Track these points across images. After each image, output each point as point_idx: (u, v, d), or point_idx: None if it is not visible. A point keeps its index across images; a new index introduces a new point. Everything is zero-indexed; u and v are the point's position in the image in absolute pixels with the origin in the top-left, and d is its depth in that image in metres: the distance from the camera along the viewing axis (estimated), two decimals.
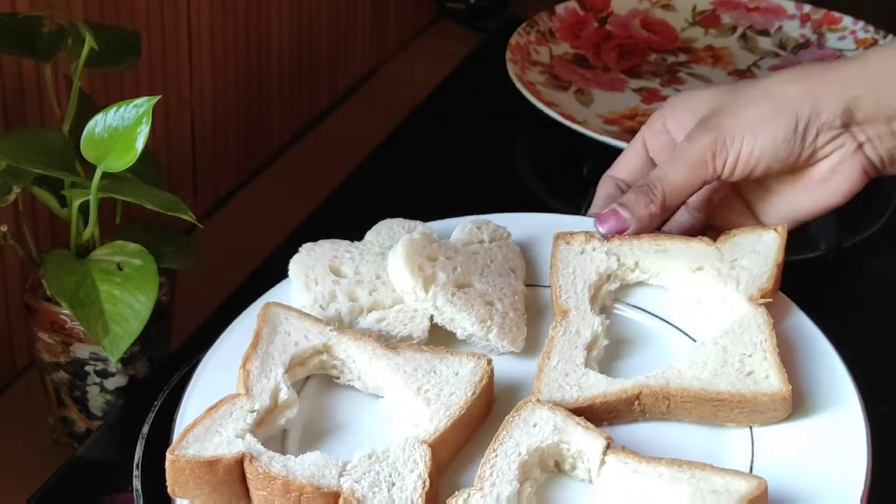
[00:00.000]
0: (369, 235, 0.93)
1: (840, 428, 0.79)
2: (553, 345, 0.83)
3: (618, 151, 1.01)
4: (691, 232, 0.96)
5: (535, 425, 0.77)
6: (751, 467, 0.77)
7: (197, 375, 0.84)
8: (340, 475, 0.74)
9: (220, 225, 1.24)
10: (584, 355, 0.82)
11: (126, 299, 0.88)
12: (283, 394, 0.80)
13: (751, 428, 0.80)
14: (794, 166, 0.93)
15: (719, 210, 0.99)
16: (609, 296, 0.89)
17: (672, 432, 0.81)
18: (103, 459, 0.94)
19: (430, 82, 1.44)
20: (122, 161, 0.86)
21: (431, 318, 0.86)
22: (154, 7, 1.11)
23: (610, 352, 0.85)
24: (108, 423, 0.96)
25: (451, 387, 0.80)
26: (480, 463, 0.75)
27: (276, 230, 1.16)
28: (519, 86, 1.28)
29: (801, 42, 1.44)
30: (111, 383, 0.96)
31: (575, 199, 1.11)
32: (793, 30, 1.45)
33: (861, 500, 0.75)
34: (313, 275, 0.89)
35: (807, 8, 1.46)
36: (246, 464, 0.75)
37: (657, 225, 0.93)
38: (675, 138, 0.97)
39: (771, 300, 0.85)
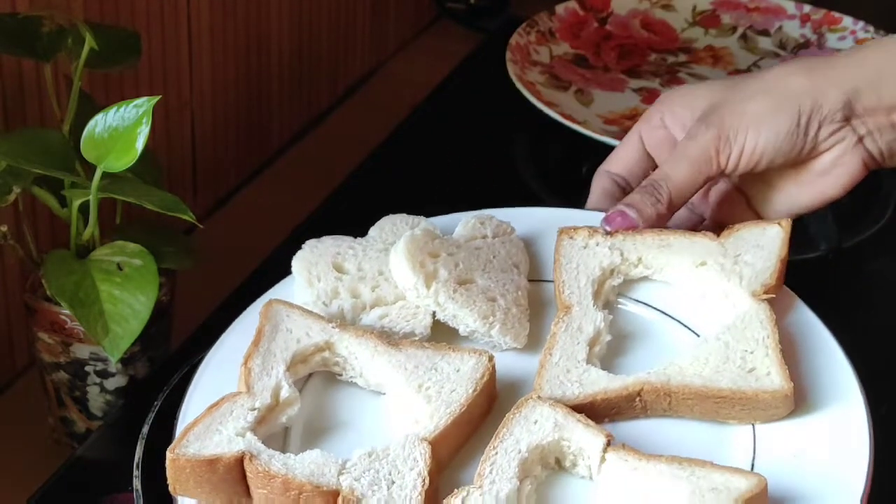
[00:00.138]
0: (373, 231, 0.93)
1: (842, 425, 0.78)
2: (555, 341, 0.83)
3: None
4: (689, 226, 0.96)
5: (535, 422, 0.77)
6: (752, 464, 0.77)
7: (200, 373, 0.84)
8: (340, 473, 0.74)
9: (220, 225, 1.24)
10: (587, 351, 0.82)
11: (126, 299, 0.88)
12: (285, 391, 0.80)
13: (753, 425, 0.80)
14: (796, 160, 0.93)
15: (718, 205, 0.99)
16: (612, 291, 0.89)
17: (674, 429, 0.80)
18: (103, 459, 0.94)
19: (430, 82, 1.44)
20: (122, 161, 0.86)
21: (434, 314, 0.86)
22: (154, 7, 1.11)
23: (613, 347, 0.85)
24: (108, 424, 0.96)
25: (452, 384, 0.80)
26: (480, 460, 0.75)
27: (277, 230, 1.16)
28: (519, 86, 1.28)
29: (801, 42, 1.44)
30: (111, 383, 0.96)
31: (575, 198, 1.10)
32: (793, 30, 1.45)
33: (862, 499, 0.75)
34: (316, 271, 0.89)
35: (807, 8, 1.46)
36: (246, 462, 0.75)
37: (664, 223, 0.93)
38: (673, 133, 0.97)
39: (774, 296, 0.85)
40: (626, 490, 0.74)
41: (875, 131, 0.92)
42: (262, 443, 0.77)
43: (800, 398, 0.79)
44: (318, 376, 0.84)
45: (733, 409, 0.79)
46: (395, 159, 1.30)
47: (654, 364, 0.82)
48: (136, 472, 0.81)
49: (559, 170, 1.29)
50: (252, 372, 0.80)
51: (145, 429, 0.83)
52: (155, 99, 0.87)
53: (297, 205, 1.22)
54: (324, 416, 0.82)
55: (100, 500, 0.89)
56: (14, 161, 0.86)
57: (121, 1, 1.07)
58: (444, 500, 0.73)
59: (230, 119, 1.26)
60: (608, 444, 0.75)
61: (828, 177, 0.94)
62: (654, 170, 0.97)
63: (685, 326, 0.87)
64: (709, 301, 0.87)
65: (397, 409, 0.81)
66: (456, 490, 0.73)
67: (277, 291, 0.90)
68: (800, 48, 1.43)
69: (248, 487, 0.76)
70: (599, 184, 0.98)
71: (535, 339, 0.86)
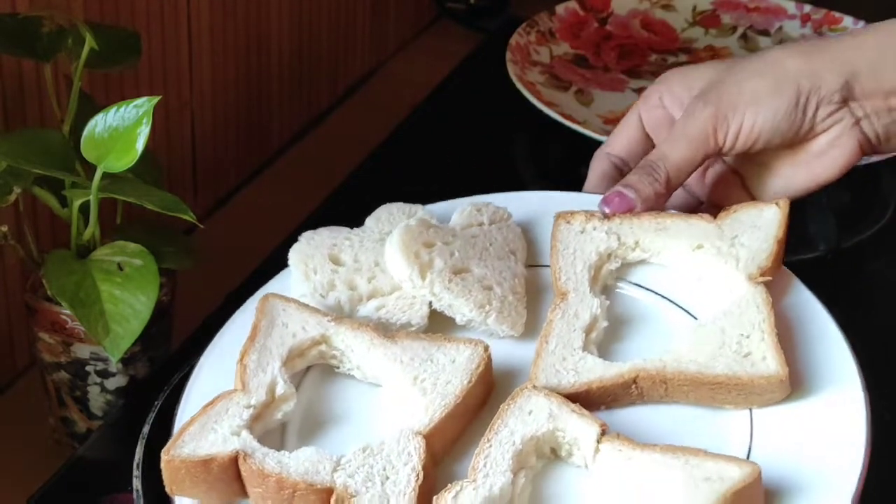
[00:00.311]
0: (369, 221, 0.93)
1: (840, 408, 0.78)
2: (551, 328, 0.83)
3: None
4: (685, 208, 0.96)
5: (530, 413, 0.77)
6: (749, 450, 0.77)
7: (198, 369, 0.85)
8: (334, 470, 0.74)
9: (220, 225, 1.24)
10: (583, 338, 0.82)
11: (127, 299, 0.88)
12: (280, 388, 0.80)
13: (750, 410, 0.79)
14: (793, 141, 0.93)
15: (714, 186, 0.99)
16: (610, 275, 0.88)
17: (670, 416, 0.80)
18: (104, 459, 0.94)
19: (430, 82, 1.44)
20: (122, 161, 0.86)
21: (430, 304, 0.86)
22: (154, 7, 1.11)
23: (610, 333, 0.84)
24: (109, 423, 0.96)
25: (447, 375, 0.79)
26: (475, 453, 0.75)
27: (277, 230, 1.15)
28: (519, 86, 1.28)
29: None
30: (112, 383, 0.96)
31: None
32: (793, 30, 1.45)
33: (857, 484, 0.74)
34: (312, 264, 0.89)
35: (807, 8, 1.46)
36: (240, 461, 0.75)
37: (662, 203, 0.92)
38: (672, 113, 0.97)
39: (771, 278, 0.84)
40: (621, 479, 0.74)
41: (872, 114, 0.92)
42: (259, 439, 0.77)
43: (797, 382, 0.79)
44: (316, 369, 0.84)
45: (729, 395, 0.79)
46: (395, 159, 1.30)
47: (651, 349, 0.82)
48: (137, 472, 0.81)
49: (559, 170, 1.29)
50: (248, 369, 0.80)
51: (146, 429, 0.84)
52: (155, 99, 0.87)
53: (297, 205, 1.22)
54: (322, 410, 0.82)
55: (100, 500, 0.89)
56: (14, 161, 0.87)
57: (121, 1, 1.07)
58: (437, 496, 0.73)
59: (230, 119, 1.26)
60: (602, 433, 0.75)
61: (823, 159, 0.93)
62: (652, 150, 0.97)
63: (683, 310, 0.86)
64: (706, 284, 0.87)
65: (393, 401, 0.81)
66: (449, 485, 0.73)
67: (275, 284, 0.90)
68: None
69: (243, 486, 0.76)
70: (597, 166, 0.98)
71: (532, 327, 0.86)
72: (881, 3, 1.21)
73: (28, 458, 0.99)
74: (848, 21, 1.43)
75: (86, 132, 0.88)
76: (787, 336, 0.81)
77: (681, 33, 1.46)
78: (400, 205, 0.94)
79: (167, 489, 0.76)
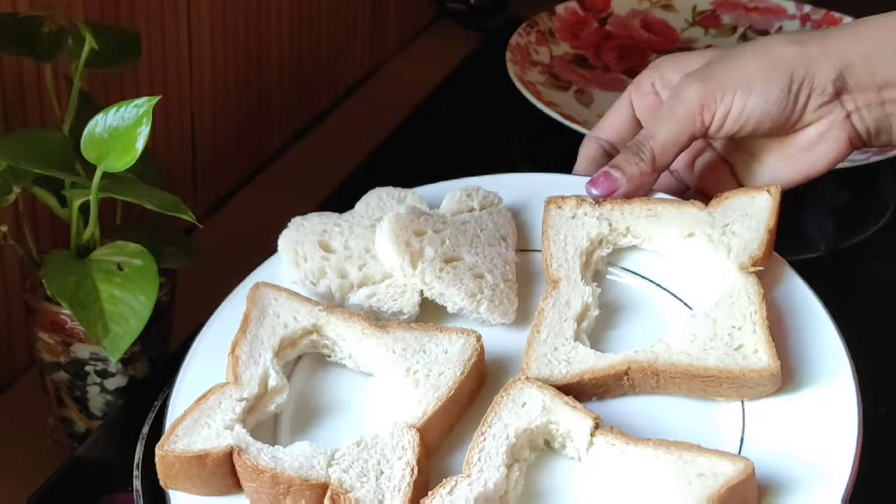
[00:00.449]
0: (359, 206, 0.93)
1: (831, 400, 0.78)
2: (543, 317, 0.83)
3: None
4: (674, 194, 0.96)
5: (523, 405, 0.77)
6: (741, 442, 0.77)
7: (188, 360, 0.85)
8: (329, 465, 0.74)
9: (220, 225, 1.24)
10: (574, 328, 0.82)
11: (126, 299, 0.88)
12: (273, 379, 0.80)
13: (742, 402, 0.79)
14: (782, 129, 0.92)
15: (703, 173, 0.98)
16: (602, 261, 0.88)
17: (663, 408, 0.80)
18: (103, 459, 0.94)
19: (430, 82, 1.44)
20: (122, 161, 0.86)
21: (421, 292, 0.86)
22: (154, 7, 1.11)
23: (602, 320, 0.84)
24: (108, 423, 0.96)
25: (440, 366, 0.79)
26: (469, 447, 0.75)
27: (276, 230, 1.15)
28: (519, 86, 1.28)
29: None
30: (111, 383, 0.96)
31: None
32: (793, 30, 1.45)
33: (849, 477, 0.74)
34: (302, 251, 0.89)
35: (807, 8, 1.46)
36: (234, 456, 0.75)
37: (649, 184, 0.92)
38: (663, 98, 0.96)
39: (762, 268, 0.84)
40: (614, 473, 0.74)
41: (864, 108, 0.92)
42: (252, 431, 0.77)
43: (789, 374, 0.79)
44: (309, 358, 0.85)
45: (721, 388, 0.79)
46: (394, 159, 1.30)
47: (643, 337, 0.82)
48: (136, 472, 0.81)
49: (559, 170, 1.29)
50: (240, 360, 0.81)
51: (145, 429, 0.84)
52: (155, 99, 0.87)
53: (297, 204, 1.21)
54: (314, 400, 0.83)
55: (99, 500, 0.89)
56: (14, 161, 0.87)
57: (121, 1, 1.07)
58: (432, 491, 0.73)
59: (230, 119, 1.26)
60: (596, 427, 0.75)
61: (812, 152, 0.93)
62: None
63: (674, 296, 0.86)
64: (697, 272, 0.86)
65: (386, 392, 0.81)
66: (444, 480, 0.73)
67: (264, 269, 0.90)
68: None
69: (238, 480, 0.76)
70: (587, 151, 0.98)
71: (524, 314, 0.86)
72: (881, 4, 1.21)
73: (27, 457, 0.99)
74: (848, 21, 1.43)
75: (86, 132, 0.88)
76: (778, 327, 0.81)
77: (681, 33, 1.46)
78: (390, 189, 0.94)
79: (161, 483, 0.77)
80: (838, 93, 0.91)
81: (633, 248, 0.89)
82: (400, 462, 0.74)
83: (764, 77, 0.90)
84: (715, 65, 0.92)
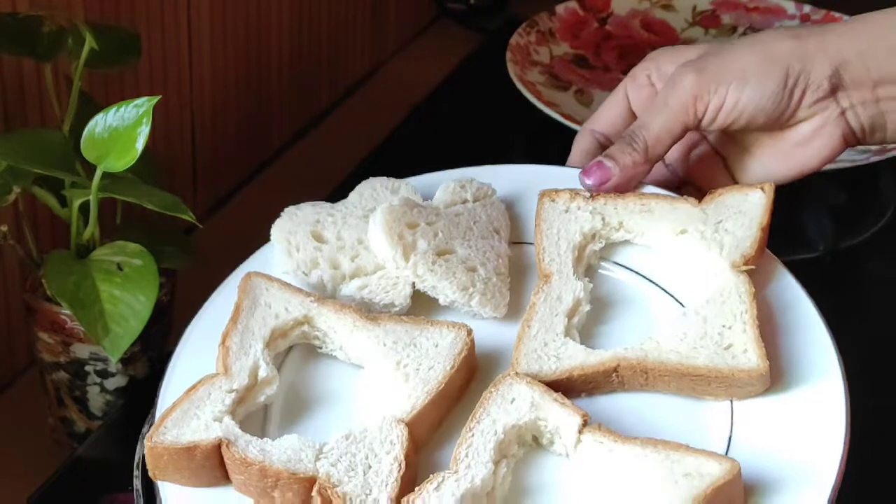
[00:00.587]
0: (352, 196, 0.93)
1: (820, 401, 0.78)
2: (534, 312, 0.83)
3: None
4: (667, 187, 0.96)
5: (512, 401, 0.77)
6: (729, 441, 0.77)
7: (179, 349, 0.85)
8: (317, 459, 0.75)
9: (220, 225, 1.24)
10: (565, 323, 0.82)
11: (126, 299, 0.88)
12: (263, 371, 0.80)
13: (731, 401, 0.79)
14: (776, 124, 0.92)
15: (696, 166, 0.98)
16: (594, 255, 0.88)
17: (651, 406, 0.80)
18: (103, 459, 0.94)
19: (430, 82, 1.44)
20: (122, 161, 0.86)
21: (413, 285, 0.86)
22: (154, 7, 1.11)
23: (593, 315, 0.84)
24: (108, 423, 0.96)
25: (430, 360, 0.79)
26: (457, 443, 0.75)
27: None
28: (519, 86, 1.28)
29: None
30: (111, 383, 0.96)
31: None
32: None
33: (836, 478, 0.74)
34: (295, 241, 0.89)
35: (806, 8, 1.46)
36: (223, 449, 0.75)
37: (642, 174, 0.92)
38: (658, 90, 0.96)
39: (754, 267, 0.84)
40: (602, 471, 0.74)
41: (858, 105, 0.91)
42: (242, 423, 0.77)
43: (778, 374, 0.79)
44: (299, 348, 0.85)
45: (710, 387, 0.79)
46: (394, 158, 1.30)
47: (633, 333, 0.82)
48: (136, 472, 0.81)
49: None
50: (230, 351, 0.81)
51: (145, 428, 0.84)
52: (155, 99, 0.87)
53: (297, 204, 1.22)
54: (304, 391, 0.83)
55: (100, 500, 0.89)
56: (14, 161, 0.87)
57: (121, 1, 1.07)
58: (419, 487, 0.73)
59: (230, 119, 1.26)
60: (584, 424, 0.75)
61: (806, 148, 0.93)
62: None
63: (666, 292, 0.86)
64: (689, 269, 0.86)
65: (376, 384, 0.81)
66: (431, 476, 0.74)
67: (257, 259, 0.90)
68: None
69: (226, 472, 0.76)
70: (581, 143, 0.98)
71: (515, 307, 0.86)
72: (881, 3, 1.21)
73: (28, 457, 0.99)
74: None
75: (86, 132, 0.88)
76: (769, 325, 0.81)
77: (681, 33, 1.46)
78: (383, 179, 0.94)
79: (150, 474, 0.77)
80: (834, 89, 0.91)
81: (626, 242, 0.89)
82: (388, 457, 0.74)
83: (759, 70, 0.90)
84: (711, 57, 0.92)
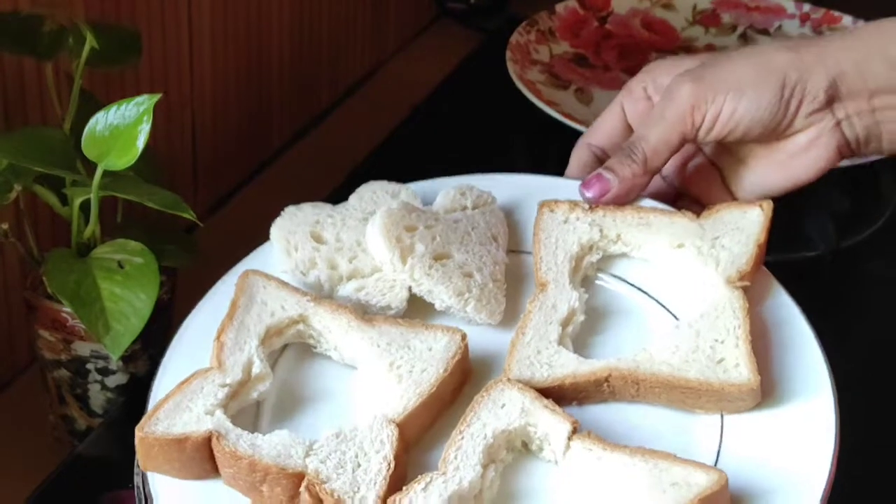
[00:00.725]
0: (352, 199, 0.93)
1: (809, 419, 0.78)
2: (528, 319, 0.83)
3: None
4: (664, 199, 0.96)
5: (503, 406, 0.77)
6: (718, 454, 0.77)
7: (174, 344, 0.85)
8: (307, 455, 0.75)
9: (220, 223, 1.24)
10: (559, 332, 0.82)
11: (127, 297, 0.88)
12: (257, 367, 0.80)
13: (721, 415, 0.79)
14: (772, 135, 0.93)
15: (693, 178, 0.99)
16: (591, 266, 0.89)
17: (642, 416, 0.81)
18: (104, 457, 0.94)
19: (430, 82, 1.44)
20: (123, 159, 0.86)
21: (410, 288, 0.86)
22: (154, 6, 1.11)
23: (588, 326, 0.85)
24: (109, 421, 0.96)
25: (423, 363, 0.80)
26: (447, 445, 0.76)
27: None
28: (519, 85, 1.28)
29: None
30: (112, 381, 0.96)
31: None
32: (792, 29, 1.46)
33: (823, 492, 0.75)
34: (294, 241, 0.89)
35: (806, 7, 1.46)
36: (213, 442, 0.76)
37: (641, 186, 0.92)
38: (656, 103, 0.96)
39: (749, 283, 0.84)
40: (590, 478, 0.75)
41: (854, 115, 0.92)
42: (233, 417, 0.77)
43: (769, 389, 0.79)
44: (294, 347, 0.85)
45: (700, 400, 0.79)
46: (395, 158, 1.30)
47: (626, 345, 0.82)
48: (137, 469, 0.81)
49: (559, 169, 1.29)
50: (225, 346, 0.81)
51: None
52: (156, 97, 0.87)
53: (298, 203, 1.22)
54: (297, 389, 0.83)
55: (100, 498, 0.89)
56: (15, 159, 0.87)
57: (122, 0, 1.07)
58: (406, 486, 0.73)
59: (231, 118, 1.26)
60: (574, 431, 0.75)
61: (801, 159, 0.93)
62: None
63: (661, 305, 0.87)
64: (685, 283, 0.87)
65: (368, 385, 0.81)
66: (420, 476, 0.74)
67: (255, 257, 0.90)
68: None
69: (216, 465, 0.77)
70: (578, 156, 0.98)
71: (510, 315, 0.86)
72: (881, 2, 1.21)
73: (28, 455, 1.00)
74: (847, 20, 1.43)
75: (87, 130, 0.88)
76: (762, 341, 0.82)
77: (681, 32, 1.46)
78: (384, 183, 0.94)
79: (140, 465, 0.77)
80: (830, 100, 0.91)
81: (623, 255, 0.90)
82: (377, 456, 0.75)
83: (756, 81, 0.91)
84: (708, 67, 0.93)
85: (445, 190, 0.93)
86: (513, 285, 0.88)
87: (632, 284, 0.88)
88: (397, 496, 0.73)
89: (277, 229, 0.90)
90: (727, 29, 1.46)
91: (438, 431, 0.79)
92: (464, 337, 0.81)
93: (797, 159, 0.93)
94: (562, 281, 0.85)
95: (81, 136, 0.88)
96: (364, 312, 0.84)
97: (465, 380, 0.82)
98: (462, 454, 0.75)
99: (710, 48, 1.44)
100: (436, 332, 0.82)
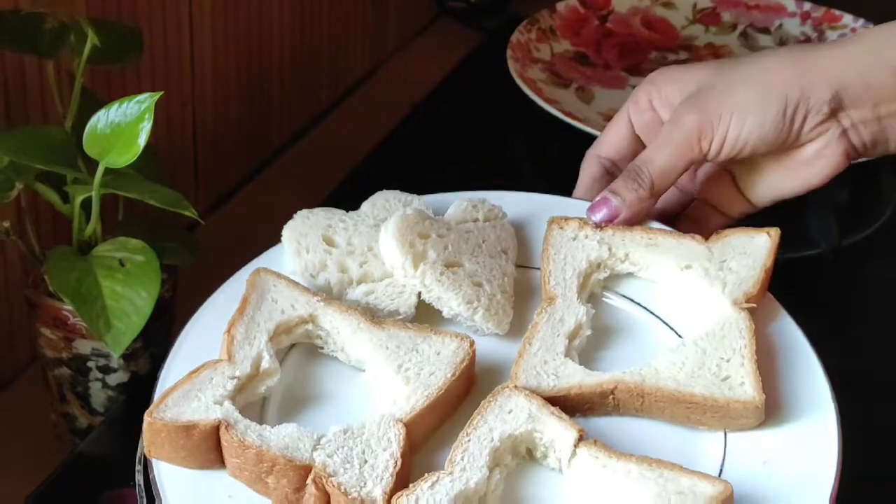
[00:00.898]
0: (365, 206, 0.94)
1: (813, 439, 0.79)
2: (536, 331, 0.84)
3: None
4: (676, 204, 0.97)
5: (510, 412, 0.77)
6: (720, 470, 0.78)
7: (183, 336, 0.85)
8: (314, 448, 0.75)
9: (221, 221, 1.24)
10: (566, 344, 0.83)
11: (128, 295, 0.88)
12: (266, 362, 0.81)
13: (724, 433, 0.80)
14: (781, 149, 0.93)
15: (705, 182, 0.99)
16: (598, 284, 0.89)
17: (647, 429, 0.81)
18: (105, 455, 0.94)
19: (430, 81, 1.44)
20: (124, 157, 0.86)
21: (419, 294, 0.86)
22: (155, 4, 1.11)
23: (593, 341, 0.85)
24: (110, 419, 0.96)
25: (431, 366, 0.80)
26: (453, 446, 0.76)
27: (277, 227, 1.15)
28: (520, 83, 1.28)
29: (802, 40, 1.44)
30: (113, 379, 0.96)
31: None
32: (793, 27, 1.46)
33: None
34: (305, 242, 0.89)
35: (807, 6, 1.46)
36: (222, 431, 0.76)
37: (649, 207, 0.93)
38: (662, 116, 0.97)
39: (755, 305, 0.85)
40: (594, 486, 0.75)
41: (859, 124, 0.92)
42: (240, 411, 0.77)
43: (773, 409, 0.80)
44: (300, 348, 0.85)
45: (704, 416, 0.80)
46: (395, 158, 1.30)
47: (632, 360, 0.82)
48: (138, 467, 0.81)
49: (560, 167, 1.29)
50: (235, 340, 0.81)
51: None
52: (157, 95, 0.87)
53: (298, 202, 1.21)
54: (303, 388, 0.83)
55: (102, 496, 0.89)
56: (16, 157, 0.87)
57: None
58: (414, 484, 0.73)
59: (231, 116, 1.26)
60: (580, 439, 0.75)
61: (811, 166, 0.94)
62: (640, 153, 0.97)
63: (667, 325, 0.87)
64: (691, 304, 0.88)
65: (376, 387, 0.81)
66: (426, 475, 0.74)
67: (266, 259, 0.91)
68: None
69: (222, 455, 0.77)
70: (588, 170, 0.99)
71: (517, 327, 0.86)
72: (881, 1, 1.21)
73: (29, 453, 0.99)
74: (848, 19, 1.43)
75: (88, 128, 0.88)
76: (767, 363, 0.82)
77: (681, 31, 1.46)
78: (396, 193, 0.95)
79: (145, 451, 0.77)
80: (834, 112, 0.92)
81: (630, 275, 0.91)
82: (384, 453, 0.75)
83: (758, 103, 0.91)
84: (711, 91, 0.93)
85: (458, 201, 0.94)
86: (520, 299, 0.89)
87: (638, 304, 0.89)
88: (404, 492, 0.73)
89: (289, 231, 0.90)
90: (727, 27, 1.46)
91: (443, 436, 0.79)
92: (472, 343, 0.82)
93: (807, 166, 0.94)
94: (569, 295, 0.86)
95: (83, 133, 0.88)
96: (372, 316, 0.84)
97: (470, 387, 0.82)
98: (468, 456, 0.75)
99: (710, 47, 1.44)
100: (444, 338, 0.82)
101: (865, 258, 1.16)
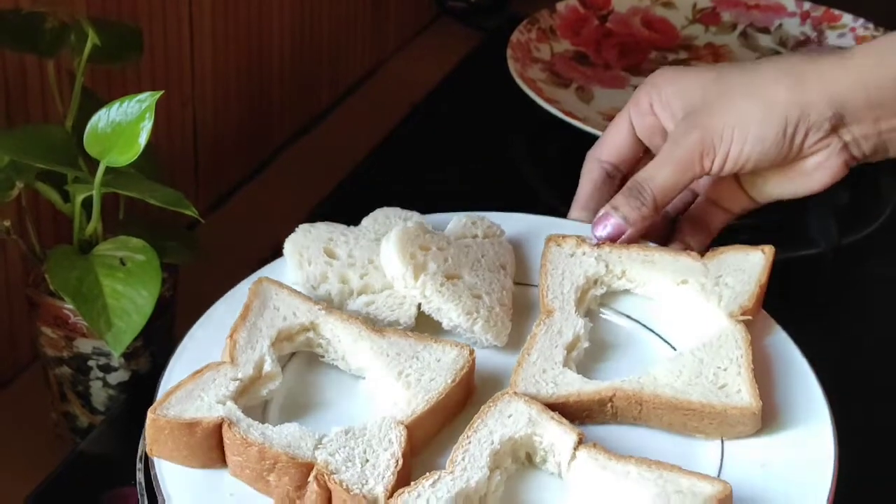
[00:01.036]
0: (365, 221, 0.94)
1: (810, 443, 0.80)
2: (534, 341, 0.85)
3: None
4: (681, 204, 0.98)
5: (510, 416, 0.78)
6: (719, 473, 0.78)
7: (186, 340, 0.86)
8: (316, 448, 0.75)
9: (222, 220, 1.24)
10: (564, 355, 0.84)
11: (129, 294, 0.89)
12: (268, 365, 0.81)
13: (721, 440, 0.80)
14: (783, 163, 0.95)
15: (712, 183, 1.00)
16: (595, 300, 0.90)
17: (645, 437, 0.81)
18: (105, 454, 0.94)
19: (430, 81, 1.44)
20: (125, 156, 0.86)
21: (419, 305, 0.87)
22: (156, 3, 1.11)
23: (590, 354, 0.86)
24: (111, 418, 0.96)
25: (431, 373, 0.81)
26: (454, 448, 0.76)
27: (278, 226, 1.16)
28: (520, 83, 1.28)
29: (802, 39, 1.44)
30: (114, 378, 0.96)
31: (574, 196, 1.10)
32: (793, 27, 1.46)
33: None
34: (307, 255, 0.90)
35: (807, 5, 1.46)
36: (224, 429, 0.76)
37: (652, 222, 0.94)
38: (663, 122, 0.97)
39: (751, 318, 0.86)
40: (594, 488, 0.75)
41: (861, 138, 0.93)
42: (242, 412, 0.77)
43: (769, 417, 0.81)
44: (301, 356, 0.86)
45: (702, 423, 0.80)
46: (395, 158, 1.30)
47: (629, 372, 0.83)
48: (139, 466, 0.81)
49: (559, 167, 1.29)
50: (237, 344, 0.82)
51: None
52: (158, 94, 0.87)
53: (298, 202, 1.22)
54: (303, 394, 0.83)
55: (102, 495, 0.89)
56: (17, 156, 0.87)
57: None
58: (415, 482, 0.74)
59: (232, 116, 1.26)
60: (580, 442, 0.76)
61: (812, 176, 0.95)
62: (644, 153, 0.98)
63: (662, 339, 0.88)
64: (687, 317, 0.88)
65: (376, 392, 0.82)
66: (428, 473, 0.74)
67: (269, 271, 0.91)
68: (800, 46, 1.44)
69: (223, 455, 0.77)
70: (589, 174, 0.99)
71: (515, 340, 0.87)
72: (881, 1, 1.21)
73: (30, 452, 1.00)
74: (847, 18, 1.43)
75: (89, 127, 0.88)
76: (762, 374, 0.83)
77: (681, 31, 1.46)
78: (397, 209, 0.96)
79: (147, 449, 0.77)
80: (835, 128, 0.93)
81: (626, 292, 0.91)
82: (386, 453, 0.75)
83: (759, 121, 0.92)
84: (711, 108, 0.94)
85: (457, 218, 0.95)
86: (518, 315, 0.89)
87: (634, 319, 0.90)
88: (406, 490, 0.73)
89: (291, 244, 0.91)
90: (727, 27, 1.46)
91: (443, 441, 0.79)
92: (472, 352, 0.82)
93: (808, 175, 0.96)
94: (567, 309, 0.87)
95: (83, 133, 0.88)
96: (373, 325, 0.85)
97: (468, 396, 0.82)
98: (469, 456, 0.75)
99: (709, 47, 1.44)
100: (444, 346, 0.83)
101: (865, 258, 1.16)
